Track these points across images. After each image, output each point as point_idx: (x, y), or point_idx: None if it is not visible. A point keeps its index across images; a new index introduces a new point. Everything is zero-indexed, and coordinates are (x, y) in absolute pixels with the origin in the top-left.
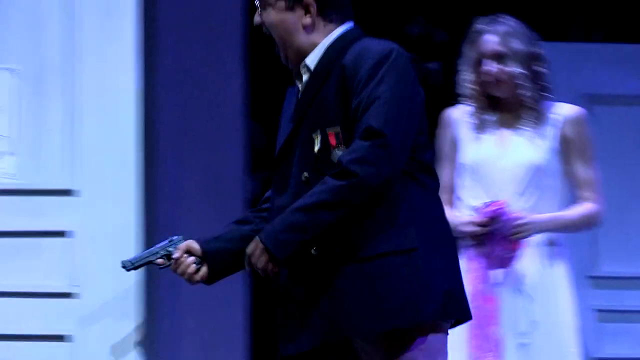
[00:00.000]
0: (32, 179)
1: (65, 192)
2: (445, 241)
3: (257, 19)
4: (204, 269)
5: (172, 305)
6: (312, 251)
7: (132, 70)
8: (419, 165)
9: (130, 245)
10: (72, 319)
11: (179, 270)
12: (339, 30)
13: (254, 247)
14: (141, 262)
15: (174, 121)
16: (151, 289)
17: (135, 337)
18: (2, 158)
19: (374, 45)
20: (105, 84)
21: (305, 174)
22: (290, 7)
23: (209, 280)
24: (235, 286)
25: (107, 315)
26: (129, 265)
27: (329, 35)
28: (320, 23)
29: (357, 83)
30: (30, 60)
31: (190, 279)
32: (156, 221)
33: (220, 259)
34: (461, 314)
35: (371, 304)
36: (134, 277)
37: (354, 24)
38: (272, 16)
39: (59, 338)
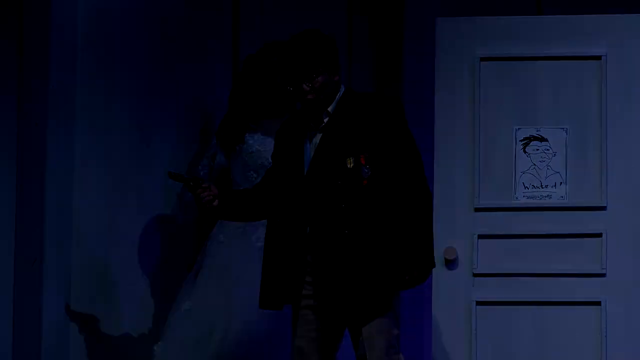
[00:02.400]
0: (576, 199)
1: (598, 208)
2: None
3: (310, 93)
4: (215, 202)
5: None
6: (345, 232)
7: None
8: None
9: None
10: (601, 290)
11: (203, 194)
12: (342, 86)
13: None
14: (180, 179)
15: None
16: None
17: None
18: (557, 186)
19: (384, 97)
20: (630, 134)
21: (339, 182)
22: (333, 71)
23: (215, 211)
24: None
25: (632, 287)
26: (172, 175)
27: (340, 89)
28: (339, 80)
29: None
30: (575, 121)
31: (205, 203)
32: None
33: (224, 202)
34: None
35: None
36: None
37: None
38: (322, 80)
39: (593, 304)
